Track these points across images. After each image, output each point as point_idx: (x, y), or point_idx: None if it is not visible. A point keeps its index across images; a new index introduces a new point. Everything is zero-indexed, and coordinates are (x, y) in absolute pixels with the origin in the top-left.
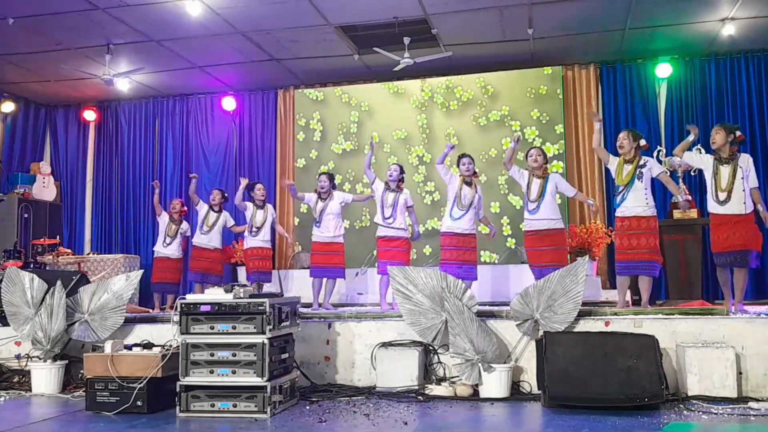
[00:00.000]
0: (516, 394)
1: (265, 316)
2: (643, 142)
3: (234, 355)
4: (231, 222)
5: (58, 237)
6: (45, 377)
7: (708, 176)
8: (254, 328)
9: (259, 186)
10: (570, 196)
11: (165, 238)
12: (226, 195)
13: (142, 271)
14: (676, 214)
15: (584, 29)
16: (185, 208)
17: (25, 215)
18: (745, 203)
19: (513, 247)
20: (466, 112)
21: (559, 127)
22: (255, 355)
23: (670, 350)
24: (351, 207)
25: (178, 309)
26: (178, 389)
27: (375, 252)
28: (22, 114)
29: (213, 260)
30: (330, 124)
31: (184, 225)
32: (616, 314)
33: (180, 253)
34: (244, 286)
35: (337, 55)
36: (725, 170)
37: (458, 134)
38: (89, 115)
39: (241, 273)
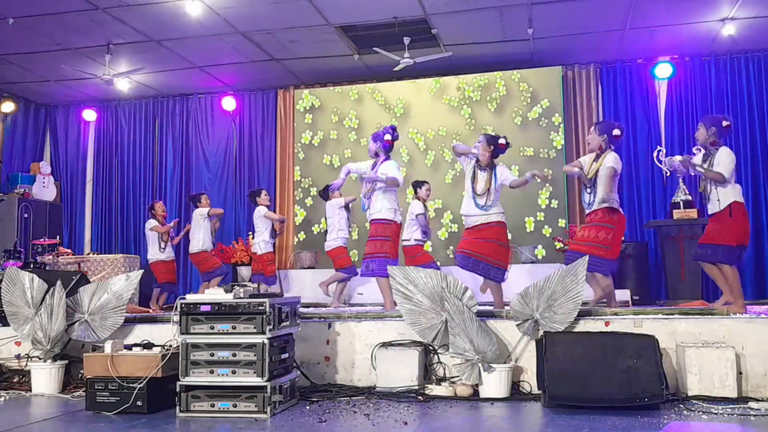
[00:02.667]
0: (516, 394)
1: (265, 316)
2: (616, 132)
3: (234, 355)
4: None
5: (58, 237)
6: (45, 377)
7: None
8: (254, 328)
9: (265, 191)
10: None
11: (159, 243)
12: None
13: (142, 271)
14: (676, 214)
15: (584, 29)
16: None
17: (25, 215)
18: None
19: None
20: (506, 108)
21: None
22: (255, 355)
23: (670, 350)
24: (354, 208)
25: (179, 309)
26: (178, 389)
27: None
28: (22, 114)
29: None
30: (367, 122)
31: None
32: (616, 314)
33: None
34: (244, 286)
35: (337, 55)
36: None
37: (496, 131)
38: (89, 115)
39: (241, 273)
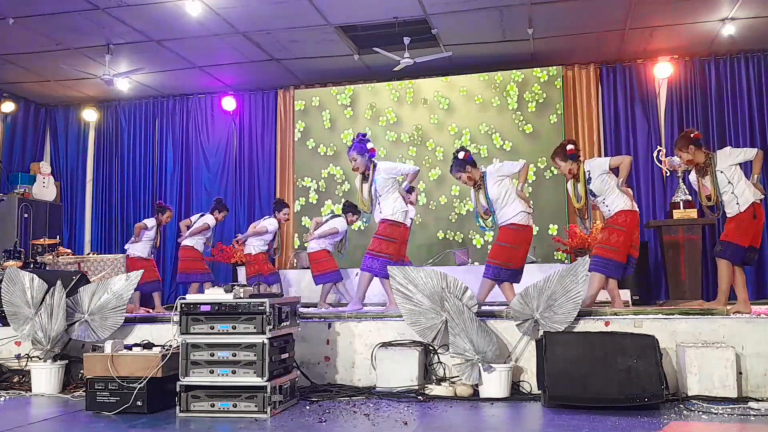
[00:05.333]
0: (516, 394)
1: (265, 316)
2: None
3: (234, 355)
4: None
5: (58, 237)
6: (45, 377)
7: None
8: (254, 328)
9: (287, 209)
10: None
11: (153, 246)
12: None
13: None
14: (676, 214)
15: (584, 29)
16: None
17: (25, 215)
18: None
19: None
20: (548, 104)
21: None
22: (255, 355)
23: (670, 350)
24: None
25: (179, 309)
26: (178, 389)
27: None
28: (22, 114)
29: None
30: (404, 118)
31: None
32: (616, 314)
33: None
34: (244, 286)
35: (337, 55)
36: None
37: (535, 128)
38: (89, 115)
39: (241, 273)
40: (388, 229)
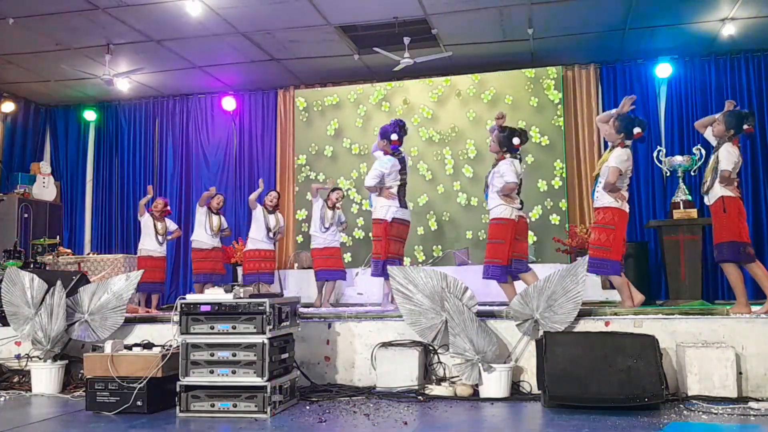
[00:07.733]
0: (516, 394)
1: (265, 316)
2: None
3: (234, 355)
4: (173, 226)
5: (58, 237)
6: (45, 377)
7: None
8: (254, 328)
9: (273, 193)
10: None
11: (156, 236)
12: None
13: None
14: (676, 214)
15: (584, 29)
16: (168, 209)
17: (25, 215)
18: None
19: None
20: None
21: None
22: (255, 355)
23: (670, 350)
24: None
25: (179, 309)
26: (178, 389)
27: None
28: (22, 114)
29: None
30: (444, 120)
31: (169, 224)
32: (616, 314)
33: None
34: (244, 286)
35: (337, 55)
36: None
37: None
38: (89, 115)
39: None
40: (374, 228)
